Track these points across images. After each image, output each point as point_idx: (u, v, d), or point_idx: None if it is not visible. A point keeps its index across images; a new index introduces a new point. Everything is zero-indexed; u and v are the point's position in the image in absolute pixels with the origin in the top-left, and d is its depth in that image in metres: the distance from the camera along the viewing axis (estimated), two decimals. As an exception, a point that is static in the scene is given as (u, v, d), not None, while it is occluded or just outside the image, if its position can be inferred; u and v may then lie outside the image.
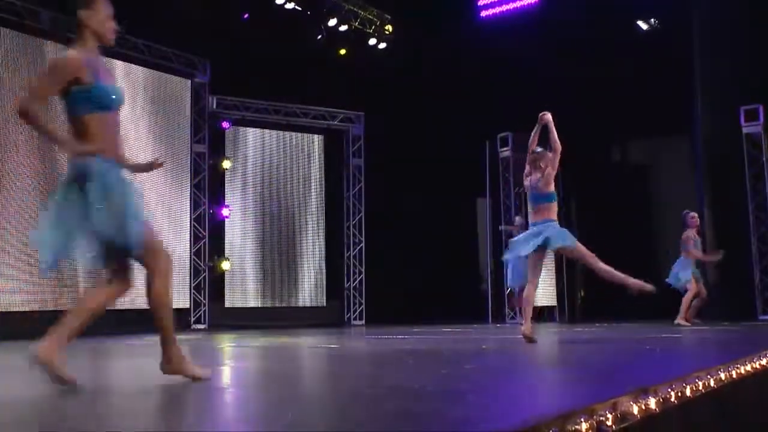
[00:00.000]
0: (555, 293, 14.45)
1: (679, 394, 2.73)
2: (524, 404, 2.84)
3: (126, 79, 11.21)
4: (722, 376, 3.23)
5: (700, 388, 2.94)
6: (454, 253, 14.54)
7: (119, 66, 11.10)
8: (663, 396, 2.63)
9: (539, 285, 14.39)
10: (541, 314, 14.29)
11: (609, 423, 2.21)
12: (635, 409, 2.39)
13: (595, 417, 2.19)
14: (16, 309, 9.52)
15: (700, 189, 12.61)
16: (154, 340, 3.56)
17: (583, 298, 14.71)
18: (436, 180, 13.75)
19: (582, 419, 2.12)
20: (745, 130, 12.10)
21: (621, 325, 10.01)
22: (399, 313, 12.47)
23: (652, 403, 2.51)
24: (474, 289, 14.63)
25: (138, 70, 11.38)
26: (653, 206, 13.98)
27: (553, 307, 14.47)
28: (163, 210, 11.55)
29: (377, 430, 2.26)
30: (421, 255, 13.60)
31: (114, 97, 3.45)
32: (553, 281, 14.48)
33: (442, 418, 2.43)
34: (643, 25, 13.07)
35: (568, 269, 14.57)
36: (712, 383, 3.05)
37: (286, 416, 2.61)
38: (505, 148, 14.16)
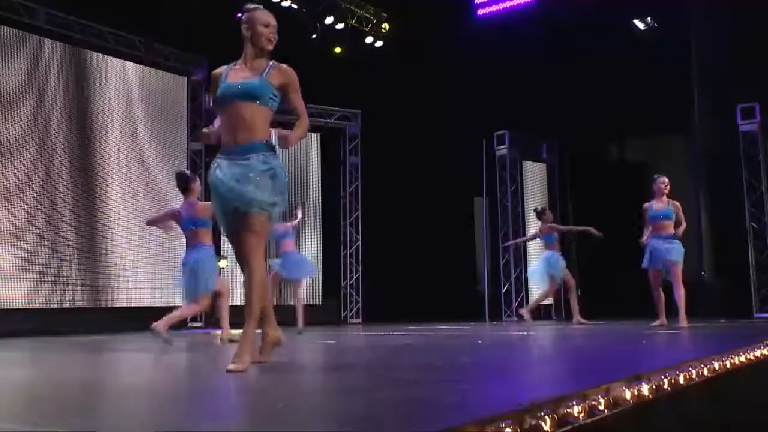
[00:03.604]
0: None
1: (673, 381, 2.74)
2: (518, 391, 2.84)
3: (122, 76, 11.22)
4: (716, 365, 3.24)
5: (694, 376, 2.95)
6: (451, 251, 14.53)
7: (115, 63, 11.11)
8: (656, 383, 2.64)
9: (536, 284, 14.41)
10: (539, 312, 14.32)
11: (601, 407, 2.21)
12: (628, 395, 2.39)
13: (587, 401, 2.20)
14: (17, 306, 9.51)
15: (696, 187, 12.62)
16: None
17: (580, 297, 14.69)
18: (433, 178, 13.75)
19: (574, 403, 2.13)
20: (741, 129, 12.10)
21: (617, 322, 10.03)
22: (396, 312, 12.46)
23: (645, 389, 2.52)
24: (471, 288, 14.62)
25: (134, 68, 11.37)
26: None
27: (549, 305, 14.48)
28: (159, 208, 11.53)
29: (369, 416, 2.26)
30: (418, 254, 13.59)
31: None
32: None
33: (435, 405, 2.44)
34: (640, 25, 13.08)
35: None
36: (705, 372, 3.06)
37: (277, 404, 2.62)
38: (502, 146, 14.17)
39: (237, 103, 3.71)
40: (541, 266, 10.54)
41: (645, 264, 8.62)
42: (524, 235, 14.25)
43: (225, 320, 7.03)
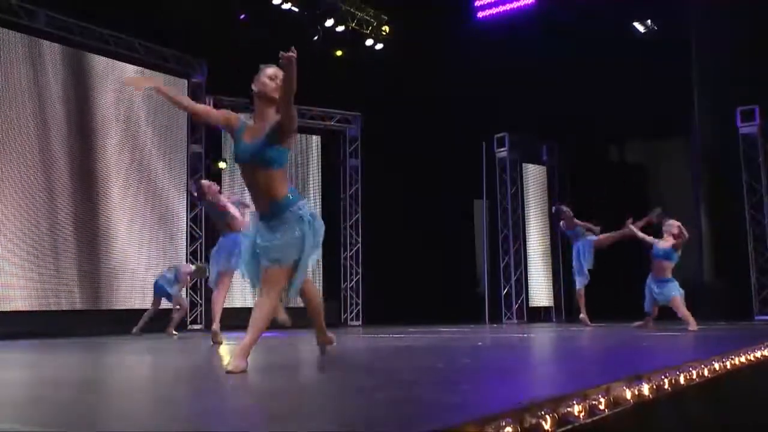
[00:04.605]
0: (552, 294, 14.47)
1: (673, 381, 2.74)
2: (519, 391, 2.84)
3: (122, 78, 11.21)
4: (716, 366, 3.24)
5: (694, 377, 2.95)
6: (451, 254, 14.54)
7: (116, 66, 11.11)
8: (656, 383, 2.63)
9: (537, 285, 14.37)
10: (539, 314, 14.32)
11: (602, 407, 2.21)
12: (628, 395, 2.39)
13: (587, 401, 2.19)
14: (17, 309, 9.51)
15: (696, 189, 12.62)
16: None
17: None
18: (433, 181, 13.75)
19: (574, 402, 2.13)
20: (741, 131, 12.11)
21: (617, 324, 10.01)
22: (396, 314, 12.45)
23: (646, 389, 2.52)
24: (471, 290, 14.62)
25: (135, 70, 11.37)
26: (651, 206, 13.95)
27: (550, 307, 14.49)
28: (159, 210, 11.54)
29: (370, 416, 2.26)
30: (418, 256, 13.60)
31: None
32: (550, 283, 14.51)
33: (436, 405, 2.44)
34: (640, 27, 13.08)
35: (564, 271, 14.60)
36: (706, 373, 3.06)
37: (278, 403, 2.62)
38: (502, 149, 14.17)
39: (251, 168, 3.88)
40: (575, 260, 10.33)
41: (647, 308, 8.69)
42: (525, 238, 14.25)
43: (217, 318, 7.22)
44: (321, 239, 3.97)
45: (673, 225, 8.72)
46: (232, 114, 4.06)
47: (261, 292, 3.87)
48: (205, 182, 7.75)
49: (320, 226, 3.95)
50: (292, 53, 3.56)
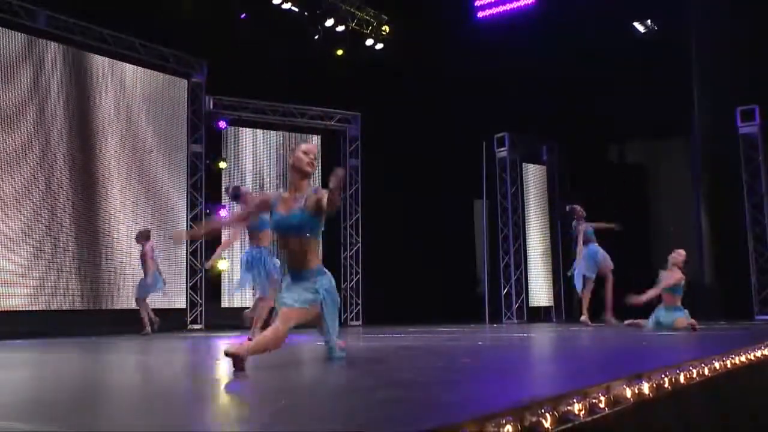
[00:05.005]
0: (552, 294, 14.47)
1: (673, 380, 2.73)
2: (519, 390, 2.84)
3: (122, 79, 11.22)
4: (716, 365, 3.24)
5: (694, 376, 2.95)
6: (451, 254, 14.52)
7: (116, 66, 11.11)
8: (656, 382, 2.63)
9: (537, 285, 14.36)
10: (539, 314, 14.31)
11: (602, 405, 2.21)
12: (628, 393, 2.39)
13: (588, 399, 2.19)
14: (17, 309, 9.52)
15: (696, 189, 12.61)
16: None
17: (579, 300, 14.68)
18: (433, 181, 13.74)
19: (575, 400, 2.13)
20: (741, 131, 12.12)
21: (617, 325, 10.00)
22: (396, 314, 12.44)
23: (646, 388, 2.52)
24: (471, 290, 14.62)
25: (135, 70, 11.38)
26: (651, 206, 13.97)
27: (550, 307, 14.49)
28: (160, 210, 11.54)
29: (370, 415, 2.26)
30: (418, 256, 13.59)
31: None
32: (550, 283, 14.50)
33: (436, 404, 2.43)
34: (640, 27, 13.07)
35: (564, 271, 14.59)
36: (705, 372, 3.06)
37: (278, 402, 2.62)
38: (502, 149, 14.17)
39: (289, 236, 4.22)
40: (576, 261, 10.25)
41: (650, 326, 8.56)
42: (525, 238, 14.25)
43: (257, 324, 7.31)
44: (337, 311, 4.28)
45: (681, 254, 8.57)
46: (263, 196, 4.44)
47: (275, 322, 4.10)
48: (245, 188, 7.90)
49: (334, 302, 4.22)
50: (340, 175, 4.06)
